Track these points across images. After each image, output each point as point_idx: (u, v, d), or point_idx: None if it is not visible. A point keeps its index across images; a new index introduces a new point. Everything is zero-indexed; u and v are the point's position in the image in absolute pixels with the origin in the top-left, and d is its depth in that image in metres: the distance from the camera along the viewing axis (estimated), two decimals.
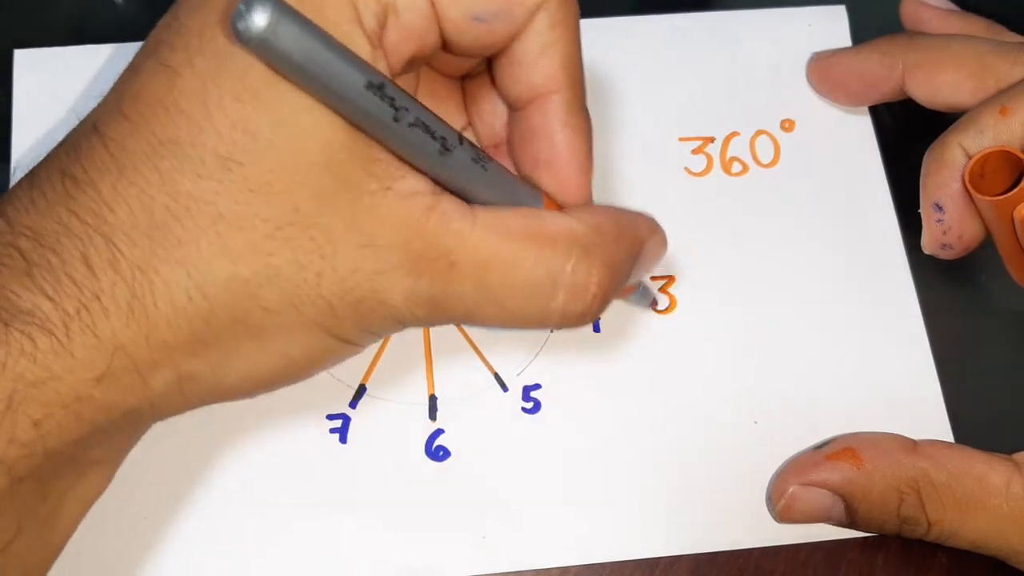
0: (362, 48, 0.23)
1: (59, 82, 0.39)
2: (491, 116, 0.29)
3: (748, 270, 0.38)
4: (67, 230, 0.23)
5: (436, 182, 0.24)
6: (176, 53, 0.23)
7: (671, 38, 0.41)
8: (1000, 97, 0.33)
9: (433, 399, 0.35)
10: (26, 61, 0.39)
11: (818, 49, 0.40)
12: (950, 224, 0.34)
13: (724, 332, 0.37)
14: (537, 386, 0.36)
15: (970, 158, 0.33)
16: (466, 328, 0.36)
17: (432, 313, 0.25)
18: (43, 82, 0.39)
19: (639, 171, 0.39)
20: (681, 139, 0.39)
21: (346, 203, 0.23)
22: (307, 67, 0.21)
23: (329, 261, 0.23)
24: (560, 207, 0.27)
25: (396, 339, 0.36)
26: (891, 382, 0.36)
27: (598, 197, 0.28)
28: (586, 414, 0.35)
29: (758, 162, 0.39)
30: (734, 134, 0.40)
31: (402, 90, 0.23)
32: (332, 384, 0.35)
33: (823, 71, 0.40)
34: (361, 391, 0.35)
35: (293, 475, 0.34)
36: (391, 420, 0.35)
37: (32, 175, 0.24)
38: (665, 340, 0.36)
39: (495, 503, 0.34)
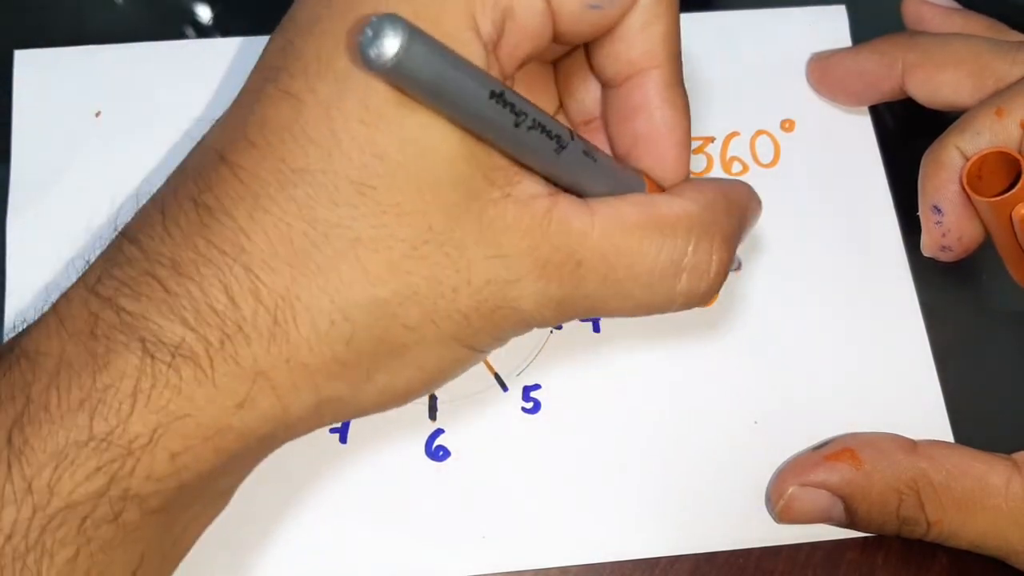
0: (478, 56, 0.23)
1: (59, 82, 0.39)
2: (583, 93, 0.29)
3: (748, 270, 0.38)
4: (205, 259, 0.22)
5: (549, 180, 0.25)
6: (296, 80, 0.23)
7: None
8: (996, 98, 0.33)
9: (433, 399, 0.35)
10: (26, 61, 0.39)
11: (818, 49, 0.40)
12: (949, 226, 0.34)
13: (724, 332, 0.37)
14: (537, 386, 0.36)
15: (967, 160, 0.33)
16: None
17: (560, 313, 0.25)
18: (43, 82, 0.39)
19: None
20: None
21: (474, 215, 0.23)
22: (434, 86, 0.21)
23: (464, 275, 0.23)
24: (660, 186, 0.27)
25: None
26: (891, 382, 0.36)
27: None
28: (586, 414, 0.35)
29: (758, 162, 0.39)
30: (734, 134, 0.40)
31: (517, 94, 0.23)
32: None
33: (823, 71, 0.40)
34: None
35: (293, 475, 0.34)
36: (391, 420, 0.34)
37: (160, 202, 0.24)
38: (666, 339, 0.36)
39: (495, 503, 0.34)
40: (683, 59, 0.40)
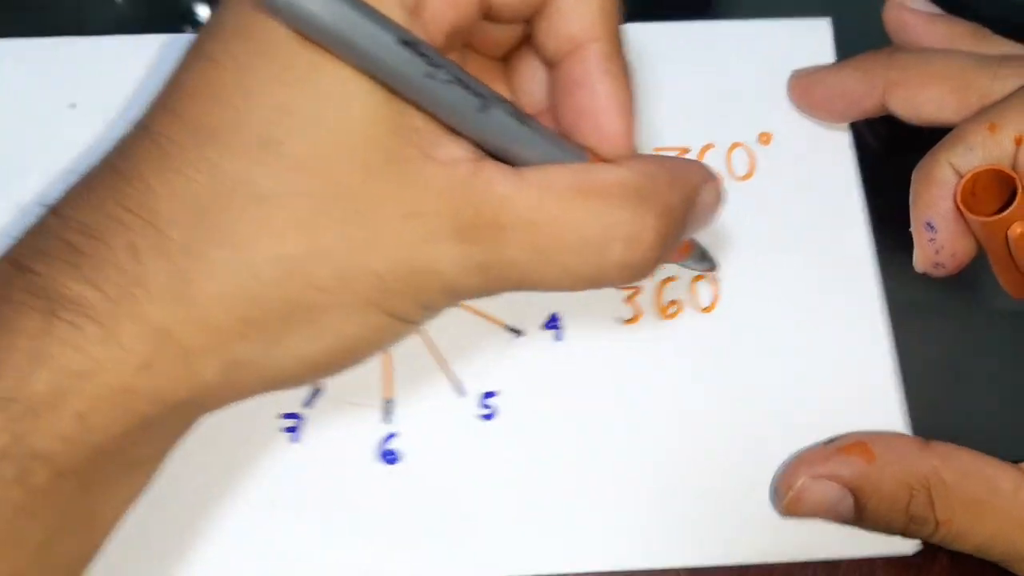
0: (398, 15, 0.23)
1: (34, 73, 0.39)
2: (533, 84, 0.29)
3: (718, 282, 0.37)
4: (115, 221, 0.23)
5: (478, 146, 0.24)
6: (215, 43, 0.23)
7: (650, 48, 0.40)
8: (988, 113, 0.33)
9: (389, 402, 0.35)
10: (7, 52, 0.39)
11: (802, 62, 0.40)
12: (943, 243, 0.33)
13: (689, 343, 0.36)
14: (494, 393, 0.35)
15: (960, 176, 0.32)
16: (425, 329, 0.36)
17: (486, 280, 0.25)
18: (17, 73, 0.39)
19: None
20: (656, 149, 0.39)
21: (389, 174, 0.23)
22: (336, 29, 0.21)
23: (377, 233, 0.23)
24: (606, 162, 0.27)
25: None
26: (855, 397, 0.35)
27: None
28: (543, 422, 0.35)
29: (733, 174, 0.39)
30: (709, 146, 0.39)
31: (434, 49, 0.23)
32: None
33: (804, 89, 0.39)
34: (317, 391, 0.35)
35: (243, 472, 0.34)
36: (345, 421, 0.35)
37: (85, 175, 0.24)
38: (628, 350, 0.36)
39: (444, 509, 0.33)
40: (662, 69, 0.40)
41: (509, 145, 0.24)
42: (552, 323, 0.36)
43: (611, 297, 0.37)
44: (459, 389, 0.35)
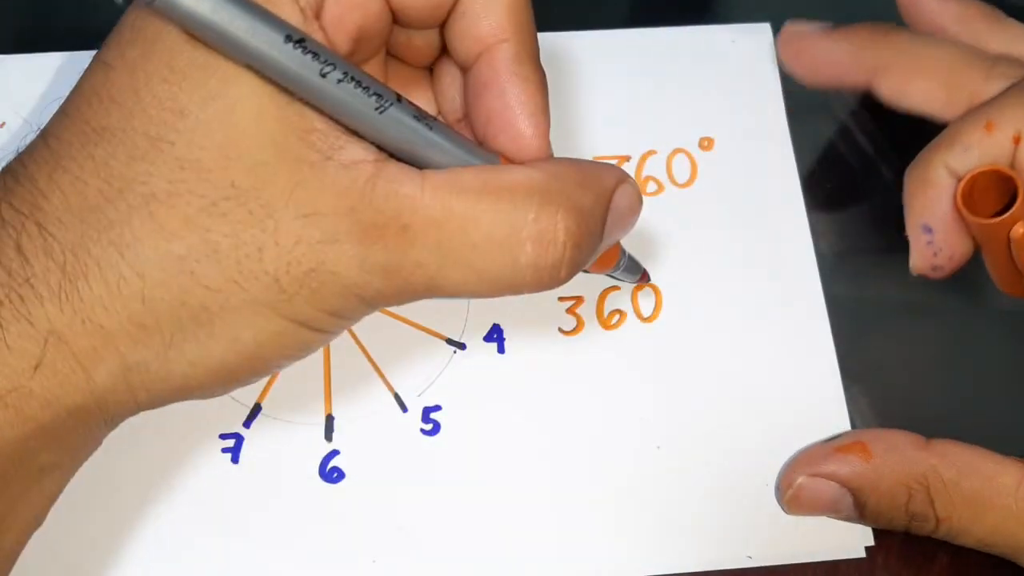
0: (291, 15, 0.23)
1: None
2: (452, 90, 0.28)
3: (660, 290, 0.37)
4: (4, 222, 0.23)
5: (382, 149, 0.24)
6: (110, 49, 0.24)
7: (590, 55, 0.40)
8: (983, 111, 0.32)
9: (330, 419, 0.35)
10: None
11: (743, 67, 0.40)
12: (940, 245, 0.33)
13: (631, 353, 0.36)
14: (437, 407, 0.35)
15: (957, 177, 0.32)
16: (365, 345, 0.36)
17: (392, 285, 0.24)
18: None
19: None
20: (596, 158, 0.39)
21: (285, 175, 0.23)
22: (222, 27, 0.21)
23: (270, 234, 0.23)
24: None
25: None
26: (801, 400, 0.36)
27: None
28: (486, 437, 0.35)
29: (674, 182, 0.39)
30: (651, 152, 0.39)
31: (327, 48, 0.22)
32: (226, 403, 0.34)
33: (794, 48, 0.38)
34: (256, 410, 0.35)
35: (183, 495, 0.33)
36: (286, 440, 0.34)
37: None
38: (570, 362, 0.36)
39: (387, 527, 0.33)
40: (602, 76, 0.40)
41: (412, 147, 0.24)
42: (493, 335, 0.36)
43: (553, 308, 0.37)
44: (401, 404, 0.35)
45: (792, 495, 0.33)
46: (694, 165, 0.39)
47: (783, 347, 0.36)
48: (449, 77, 0.28)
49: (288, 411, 0.35)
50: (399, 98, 0.24)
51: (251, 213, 0.23)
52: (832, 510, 0.33)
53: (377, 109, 0.23)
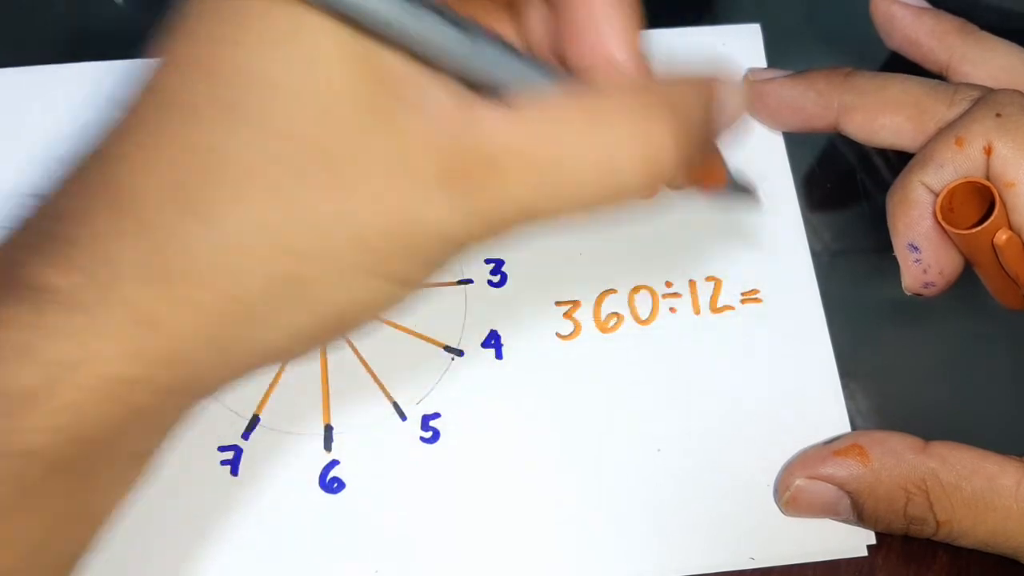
0: None
1: None
2: (538, 25, 0.27)
3: (656, 293, 0.37)
4: (91, 205, 0.22)
5: (467, 86, 0.23)
6: (175, 31, 0.23)
7: None
8: (952, 129, 0.33)
9: (329, 429, 0.35)
10: None
11: (733, 69, 0.40)
12: (929, 262, 0.34)
13: (629, 356, 0.36)
14: (437, 415, 0.35)
15: (935, 194, 0.33)
16: (363, 354, 0.35)
17: (488, 224, 0.23)
18: None
19: None
20: None
21: (371, 132, 0.22)
22: None
23: (361, 195, 0.22)
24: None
25: (292, 367, 0.35)
26: (798, 405, 0.36)
27: None
28: (486, 444, 0.35)
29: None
30: None
31: None
32: (224, 414, 0.34)
33: (756, 98, 0.39)
34: (255, 422, 0.34)
35: (182, 509, 0.33)
36: (285, 451, 0.34)
37: (66, 166, 0.24)
38: (569, 367, 0.36)
39: (389, 536, 0.33)
40: None
41: (501, 80, 0.23)
42: (491, 341, 0.36)
43: (550, 312, 0.37)
44: (400, 412, 0.35)
45: (790, 497, 0.33)
46: None
47: (781, 348, 0.36)
48: (534, 11, 0.27)
49: (287, 422, 0.34)
50: (483, 28, 0.23)
51: (339, 176, 0.22)
52: (830, 513, 0.33)
53: (463, 40, 0.22)
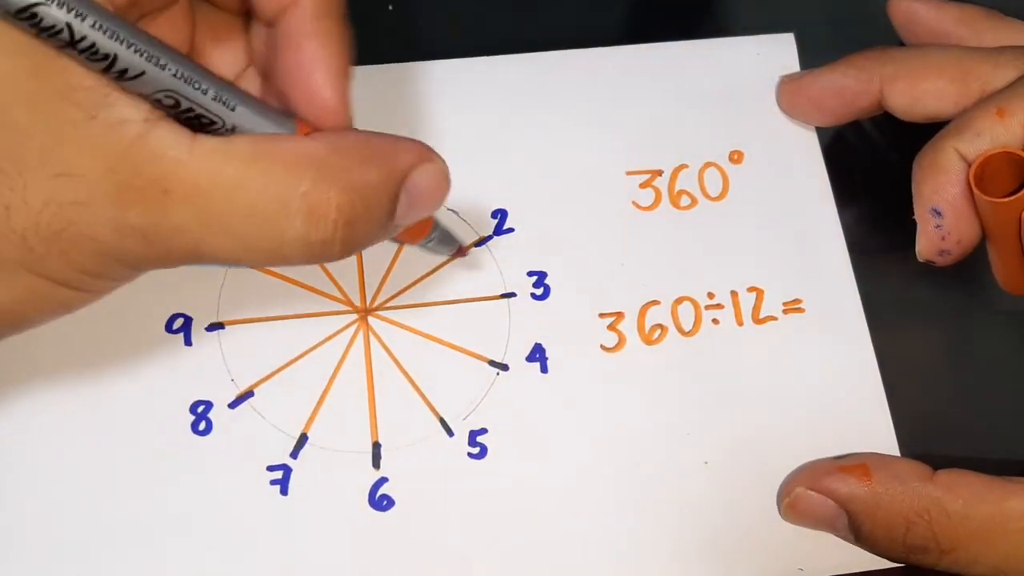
0: None
1: None
2: (262, 45, 0.27)
3: (699, 304, 0.37)
4: None
5: (162, 108, 0.23)
6: None
7: (618, 71, 0.40)
8: (995, 99, 0.32)
9: (377, 446, 0.34)
10: None
11: (769, 77, 0.40)
12: (949, 229, 0.33)
13: (674, 368, 0.36)
14: (484, 430, 0.35)
15: (967, 162, 0.32)
16: (409, 370, 0.35)
17: (150, 248, 0.23)
18: None
19: (587, 206, 0.38)
20: (629, 173, 0.39)
21: (40, 134, 0.22)
22: None
23: (19, 193, 0.22)
24: (311, 132, 0.25)
25: (338, 385, 0.35)
26: (843, 416, 0.36)
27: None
28: (534, 459, 0.35)
29: (707, 195, 0.39)
30: (683, 167, 0.39)
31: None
32: (272, 434, 0.34)
33: (795, 92, 0.39)
34: (302, 440, 0.34)
35: (233, 529, 0.33)
36: (333, 470, 0.34)
37: None
38: (614, 379, 0.36)
39: (440, 553, 0.33)
40: (630, 91, 0.40)
41: (194, 108, 0.23)
42: (535, 355, 0.36)
43: (594, 325, 0.37)
44: (447, 428, 0.35)
45: (788, 503, 0.33)
46: (725, 178, 0.39)
47: (824, 358, 0.36)
48: (256, 31, 0.27)
49: (335, 440, 0.34)
50: (177, 56, 0.23)
51: (2, 172, 0.22)
52: (828, 527, 0.33)
53: (151, 64, 0.22)
